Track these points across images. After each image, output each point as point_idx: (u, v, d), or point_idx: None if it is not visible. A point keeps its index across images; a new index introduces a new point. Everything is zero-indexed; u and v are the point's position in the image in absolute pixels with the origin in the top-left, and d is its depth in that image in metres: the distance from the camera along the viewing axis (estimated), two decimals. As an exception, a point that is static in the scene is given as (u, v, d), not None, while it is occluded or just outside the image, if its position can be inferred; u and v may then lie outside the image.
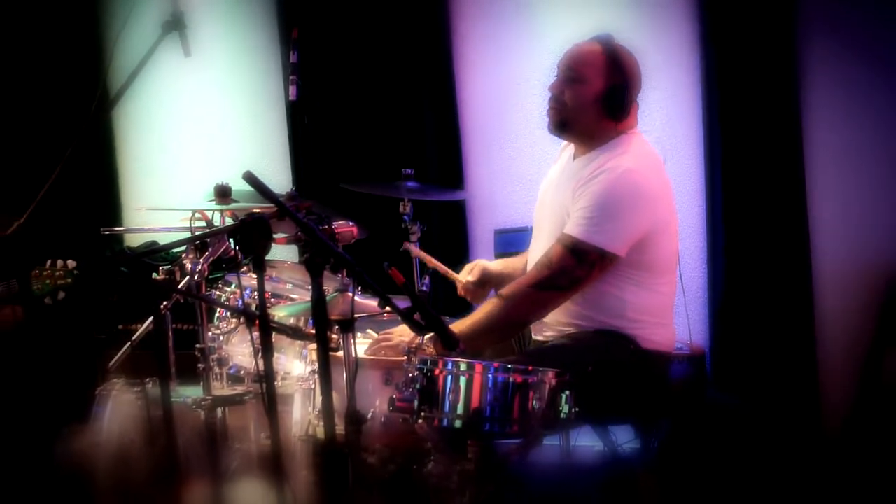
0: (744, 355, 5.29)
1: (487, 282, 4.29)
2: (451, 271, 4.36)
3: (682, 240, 4.03)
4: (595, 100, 3.86)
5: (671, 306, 3.98)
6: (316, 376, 3.76)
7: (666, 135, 5.37)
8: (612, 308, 3.83)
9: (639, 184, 3.77)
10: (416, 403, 3.39)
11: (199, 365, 3.92)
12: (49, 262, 4.38)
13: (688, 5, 5.42)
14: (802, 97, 5.21)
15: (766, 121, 5.23)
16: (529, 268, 3.95)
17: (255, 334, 3.25)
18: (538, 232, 4.08)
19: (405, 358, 3.47)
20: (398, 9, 5.78)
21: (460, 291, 4.30)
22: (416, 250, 4.55)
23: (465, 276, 4.29)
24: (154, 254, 4.79)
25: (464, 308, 4.66)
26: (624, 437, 4.10)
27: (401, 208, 4.81)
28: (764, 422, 4.92)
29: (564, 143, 4.15)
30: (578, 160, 3.96)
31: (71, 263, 4.36)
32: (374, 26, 5.80)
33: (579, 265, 3.73)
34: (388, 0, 5.79)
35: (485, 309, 3.83)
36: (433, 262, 4.42)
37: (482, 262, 4.32)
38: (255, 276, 3.11)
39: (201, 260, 3.89)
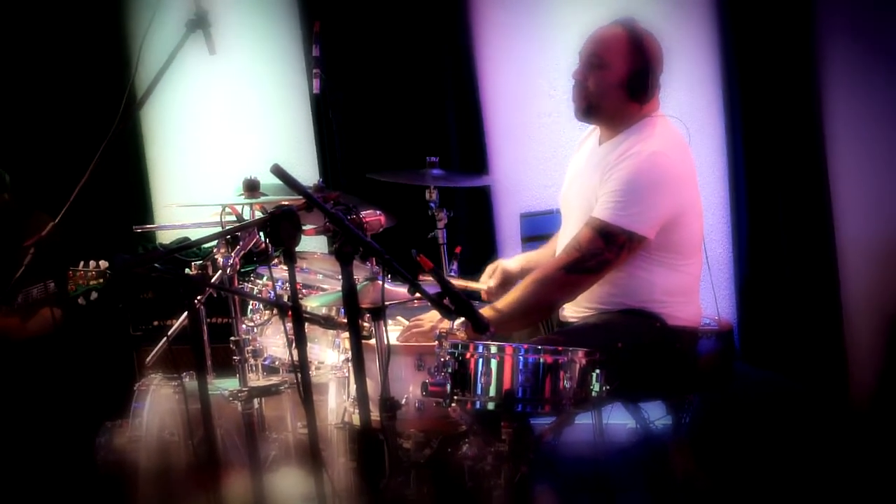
0: (771, 330, 5.29)
1: (509, 282, 4.32)
2: (470, 283, 4.38)
3: (706, 217, 4.04)
4: (619, 84, 3.87)
5: (697, 285, 3.99)
6: (349, 364, 3.81)
7: (688, 114, 5.36)
8: (640, 290, 3.85)
9: (665, 166, 3.78)
10: (448, 387, 3.41)
11: (235, 357, 3.96)
12: (82, 263, 4.44)
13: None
14: (821, 74, 5.20)
15: (786, 99, 5.23)
16: (559, 252, 3.98)
17: (289, 325, 3.28)
18: (567, 217, 4.10)
19: (436, 343, 3.50)
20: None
21: (484, 296, 4.32)
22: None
23: (487, 279, 4.32)
24: (186, 249, 4.85)
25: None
26: (656, 414, 4.12)
27: (427, 196, 4.84)
28: (792, 395, 4.93)
29: (589, 128, 4.16)
30: (605, 145, 3.97)
31: (104, 264, 4.43)
32: (395, 17, 5.83)
33: (608, 248, 3.74)
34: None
35: (515, 293, 3.86)
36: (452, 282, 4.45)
37: (502, 264, 4.34)
38: (286, 267, 3.15)
39: (233, 254, 3.93)
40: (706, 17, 5.43)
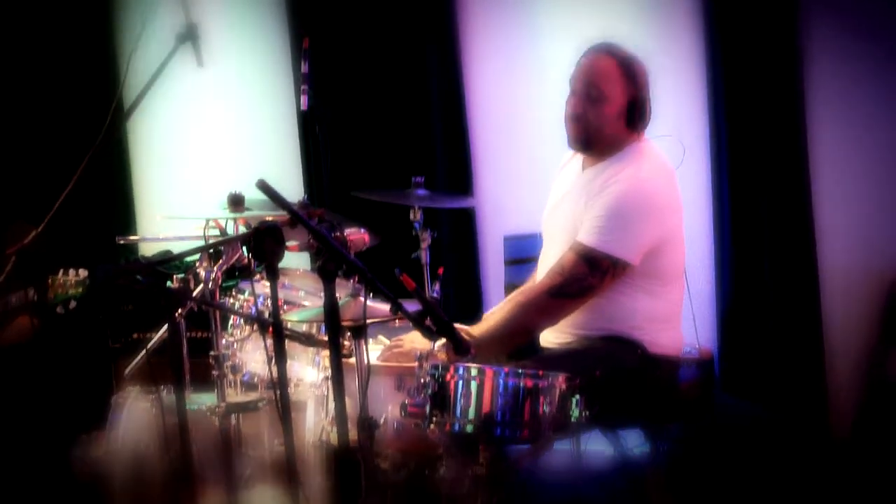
0: (752, 358, 5.29)
1: None
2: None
3: (689, 244, 4.04)
4: (619, 115, 3.86)
5: (679, 312, 3.99)
6: (329, 382, 3.79)
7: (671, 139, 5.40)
8: (621, 316, 3.84)
9: (651, 193, 3.79)
10: (427, 409, 3.41)
11: (213, 372, 3.96)
12: (61, 272, 4.42)
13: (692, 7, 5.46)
14: (807, 103, 5.22)
15: (771, 127, 5.24)
16: (541, 276, 3.97)
17: (269, 341, 3.27)
18: (549, 241, 4.09)
19: (417, 364, 3.49)
20: (408, 18, 5.81)
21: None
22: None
23: None
24: (168, 262, 4.83)
25: (475, 314, 4.69)
26: (634, 442, 4.12)
27: (411, 216, 4.83)
28: (772, 424, 4.93)
29: (571, 151, 4.17)
30: (589, 170, 3.97)
31: (83, 273, 4.40)
32: (384, 35, 5.84)
33: (591, 273, 3.74)
34: (397, 10, 5.83)
35: (497, 315, 3.86)
36: None
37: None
38: (268, 283, 3.14)
39: (215, 268, 3.93)
40: (691, 37, 5.43)
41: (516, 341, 3.98)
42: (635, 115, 3.86)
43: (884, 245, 5.15)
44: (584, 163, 4.02)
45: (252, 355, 4.19)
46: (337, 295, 3.12)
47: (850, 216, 5.23)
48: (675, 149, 4.02)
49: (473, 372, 3.40)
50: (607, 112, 3.87)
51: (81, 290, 4.36)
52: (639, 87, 3.87)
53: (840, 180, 5.23)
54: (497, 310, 3.95)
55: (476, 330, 3.78)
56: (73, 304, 4.41)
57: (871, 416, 5.05)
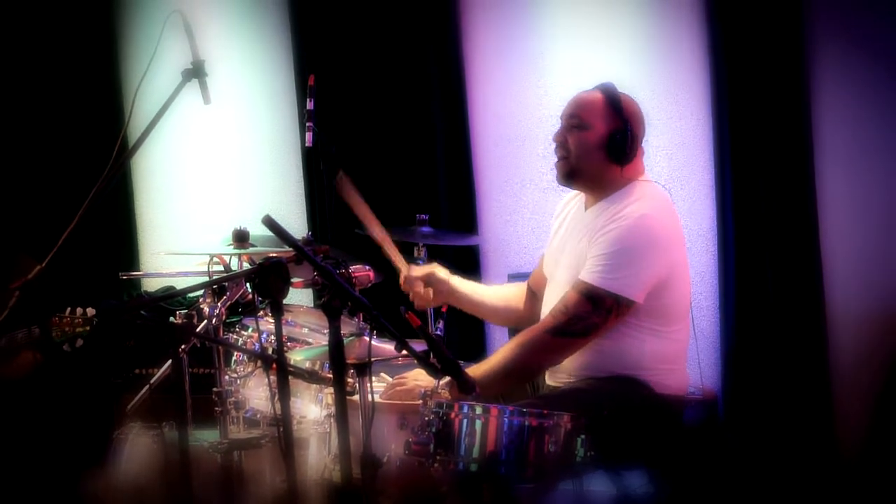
0: (757, 399, 5.27)
1: (440, 291, 4.23)
2: (399, 260, 4.30)
3: (694, 283, 4.03)
4: (599, 144, 3.86)
5: (685, 352, 3.97)
6: (332, 420, 3.78)
7: (677, 178, 5.39)
8: (628, 357, 3.82)
9: (654, 229, 3.79)
10: (431, 447, 3.39)
11: (216, 408, 3.94)
12: (69, 310, 4.42)
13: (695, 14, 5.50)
14: (815, 140, 5.24)
15: (778, 166, 5.25)
16: (544, 316, 3.96)
17: (272, 378, 3.26)
18: (552, 281, 4.08)
19: (421, 402, 3.48)
20: (414, 56, 5.84)
21: (402, 283, 4.24)
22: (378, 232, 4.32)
23: (418, 271, 4.25)
24: (172, 298, 4.82)
25: (479, 352, 4.68)
26: (637, 482, 4.09)
27: (415, 253, 4.83)
28: (778, 465, 4.90)
29: (572, 192, 4.17)
30: (591, 210, 3.97)
31: (90, 311, 4.40)
32: (389, 73, 5.86)
33: (595, 311, 3.73)
34: (403, 48, 5.85)
35: (500, 354, 3.84)
36: (386, 241, 4.34)
37: (436, 267, 4.26)
38: (271, 319, 3.14)
39: (219, 304, 3.92)
40: (696, 69, 5.47)
41: (519, 380, 3.97)
42: (616, 146, 3.86)
43: (892, 283, 5.13)
44: (586, 203, 4.02)
45: (255, 392, 4.18)
46: (342, 332, 3.12)
47: (859, 255, 5.22)
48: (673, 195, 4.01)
49: (478, 410, 3.39)
50: (585, 139, 3.88)
51: (88, 328, 4.36)
52: (623, 120, 3.86)
53: (849, 219, 5.23)
54: (500, 349, 3.93)
55: (477, 370, 3.76)
56: (79, 341, 4.41)
57: (880, 460, 5.02)
